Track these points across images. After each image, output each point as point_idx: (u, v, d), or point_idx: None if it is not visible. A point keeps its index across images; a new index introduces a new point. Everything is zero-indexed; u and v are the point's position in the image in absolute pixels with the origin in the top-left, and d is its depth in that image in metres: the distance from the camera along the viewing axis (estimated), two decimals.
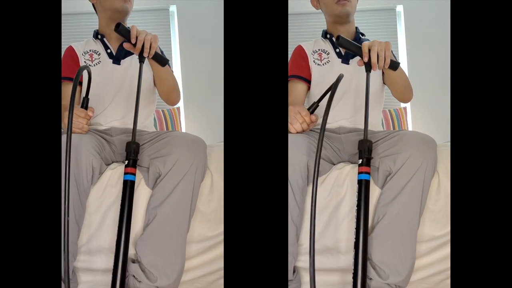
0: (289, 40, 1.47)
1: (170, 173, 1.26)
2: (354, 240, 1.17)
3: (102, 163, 1.32)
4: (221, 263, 1.32)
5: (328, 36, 1.60)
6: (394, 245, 1.23)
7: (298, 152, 1.27)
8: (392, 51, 1.32)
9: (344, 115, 1.50)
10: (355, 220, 1.18)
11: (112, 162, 1.41)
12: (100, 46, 1.56)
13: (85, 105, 1.40)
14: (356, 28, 1.61)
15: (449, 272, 1.29)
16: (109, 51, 1.55)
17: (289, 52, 1.48)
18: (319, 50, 1.58)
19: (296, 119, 1.36)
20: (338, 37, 1.31)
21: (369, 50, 1.27)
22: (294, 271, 1.28)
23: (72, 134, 1.29)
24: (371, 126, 1.39)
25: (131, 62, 1.54)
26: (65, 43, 1.48)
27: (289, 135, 1.32)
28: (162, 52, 1.50)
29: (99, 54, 1.55)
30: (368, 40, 1.60)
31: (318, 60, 1.56)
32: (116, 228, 1.22)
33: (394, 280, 1.21)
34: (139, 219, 1.29)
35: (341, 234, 1.30)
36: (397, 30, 3.07)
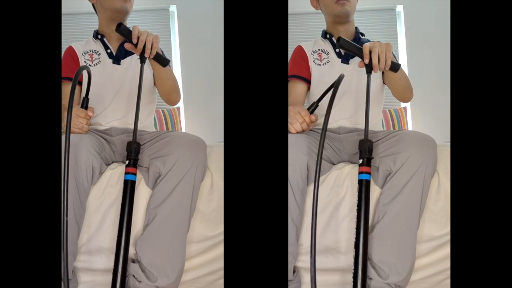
0: (289, 40, 1.47)
1: (170, 173, 1.26)
2: (354, 240, 1.17)
3: (102, 163, 1.32)
4: (221, 263, 1.32)
5: (328, 36, 1.60)
6: (394, 245, 1.23)
7: (298, 152, 1.27)
8: (393, 53, 1.32)
9: (344, 115, 1.50)
10: (356, 220, 1.18)
11: (112, 162, 1.41)
12: (100, 46, 1.56)
13: (85, 105, 1.40)
14: (356, 28, 1.61)
15: (449, 272, 1.29)
16: (109, 51, 1.55)
17: (289, 52, 1.48)
18: (319, 50, 1.58)
19: (296, 119, 1.36)
20: (338, 39, 1.30)
21: (370, 52, 1.27)
22: (294, 271, 1.28)
23: (72, 134, 1.29)
24: (371, 126, 1.38)
25: (131, 62, 1.54)
26: (65, 43, 1.48)
27: (289, 135, 1.32)
28: (162, 52, 1.50)
29: (99, 54, 1.55)
30: (368, 40, 1.60)
31: (318, 60, 1.56)
32: (116, 228, 1.22)
33: (394, 280, 1.21)
34: (139, 219, 1.29)
35: (341, 234, 1.30)
36: (397, 30, 3.07)
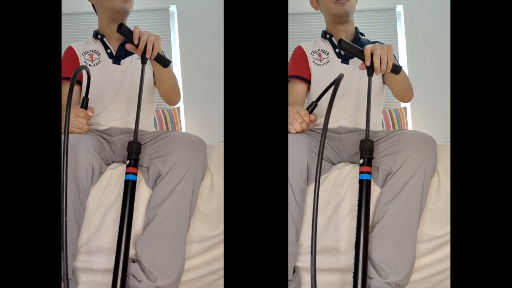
0: (289, 40, 1.47)
1: (170, 173, 1.26)
2: (355, 240, 1.17)
3: (102, 163, 1.32)
4: (221, 263, 1.32)
5: (327, 36, 1.60)
6: (394, 244, 1.23)
7: (298, 152, 1.27)
8: (394, 54, 1.32)
9: (344, 115, 1.50)
10: (356, 220, 1.18)
11: (112, 162, 1.41)
12: (100, 46, 1.56)
13: (85, 105, 1.40)
14: (356, 28, 1.61)
15: (449, 272, 1.29)
16: (109, 51, 1.55)
17: (289, 52, 1.48)
18: (318, 50, 1.58)
19: (296, 119, 1.37)
20: (340, 41, 1.30)
21: (372, 54, 1.27)
22: (294, 271, 1.28)
23: (72, 134, 1.29)
24: (371, 126, 1.38)
25: (131, 62, 1.54)
26: (65, 43, 1.48)
27: (289, 135, 1.32)
28: (163, 52, 1.50)
29: (99, 54, 1.55)
30: (368, 40, 1.60)
31: (317, 60, 1.56)
32: (116, 228, 1.22)
33: (394, 279, 1.21)
34: (139, 219, 1.29)
35: (341, 234, 1.30)
36: (397, 30, 3.07)
